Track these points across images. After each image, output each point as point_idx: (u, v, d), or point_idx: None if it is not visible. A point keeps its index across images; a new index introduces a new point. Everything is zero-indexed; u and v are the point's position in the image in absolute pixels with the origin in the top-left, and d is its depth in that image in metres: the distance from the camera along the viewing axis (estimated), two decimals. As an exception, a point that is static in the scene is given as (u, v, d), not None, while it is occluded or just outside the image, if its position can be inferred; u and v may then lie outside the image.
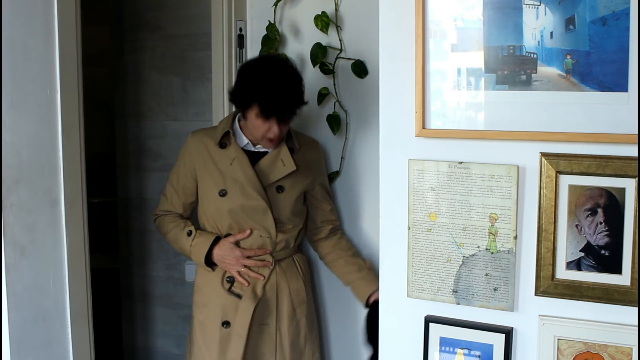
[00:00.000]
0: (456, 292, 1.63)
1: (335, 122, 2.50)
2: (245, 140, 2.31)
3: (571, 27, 1.44)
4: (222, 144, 2.30)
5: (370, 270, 2.42)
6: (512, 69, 1.51)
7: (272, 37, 2.57)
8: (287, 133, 2.33)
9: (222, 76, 2.68)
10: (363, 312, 2.54)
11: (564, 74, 1.46)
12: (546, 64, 1.48)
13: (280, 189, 2.30)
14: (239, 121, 2.33)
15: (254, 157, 2.30)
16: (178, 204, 2.40)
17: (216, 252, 2.31)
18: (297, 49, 2.61)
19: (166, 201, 2.42)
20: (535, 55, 1.49)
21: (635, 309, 1.45)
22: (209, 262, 2.33)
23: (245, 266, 2.31)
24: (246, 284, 2.31)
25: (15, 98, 1.91)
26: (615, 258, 1.46)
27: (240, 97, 2.21)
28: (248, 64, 2.27)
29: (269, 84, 2.14)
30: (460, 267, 1.62)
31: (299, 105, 2.22)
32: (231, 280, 2.33)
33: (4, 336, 1.92)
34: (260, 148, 2.31)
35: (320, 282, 2.71)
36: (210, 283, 2.34)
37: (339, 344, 2.73)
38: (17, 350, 1.94)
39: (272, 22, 2.58)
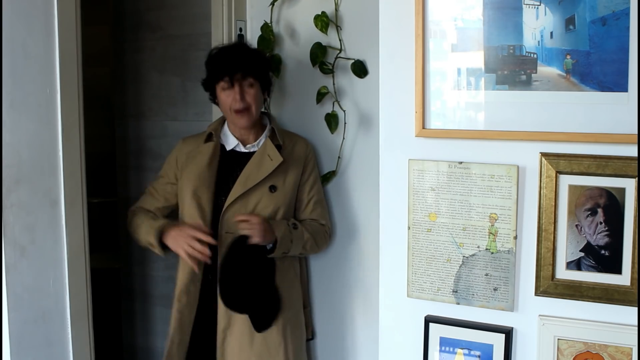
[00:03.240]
0: (456, 292, 1.63)
1: (333, 121, 2.49)
2: (235, 142, 2.31)
3: (571, 27, 1.44)
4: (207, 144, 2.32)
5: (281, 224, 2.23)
6: (512, 69, 1.51)
7: (267, 37, 2.56)
8: (272, 131, 2.32)
9: (222, 76, 2.68)
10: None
11: (564, 74, 1.46)
12: (546, 64, 1.48)
13: (272, 188, 2.28)
14: (227, 124, 2.34)
15: (245, 158, 2.30)
16: (151, 203, 2.37)
17: (172, 231, 2.21)
18: (295, 49, 2.61)
19: (144, 199, 2.39)
20: (535, 55, 1.49)
21: (635, 309, 1.45)
22: (162, 242, 2.23)
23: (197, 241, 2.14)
24: (194, 265, 2.18)
25: (15, 98, 1.91)
26: (615, 258, 1.46)
27: (205, 82, 2.29)
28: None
29: (218, 50, 2.29)
30: (460, 267, 1.62)
31: (250, 61, 2.24)
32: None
33: (4, 336, 1.92)
34: (250, 148, 2.30)
35: (314, 288, 2.69)
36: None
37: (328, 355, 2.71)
38: (17, 350, 1.94)
39: (270, 22, 2.57)
